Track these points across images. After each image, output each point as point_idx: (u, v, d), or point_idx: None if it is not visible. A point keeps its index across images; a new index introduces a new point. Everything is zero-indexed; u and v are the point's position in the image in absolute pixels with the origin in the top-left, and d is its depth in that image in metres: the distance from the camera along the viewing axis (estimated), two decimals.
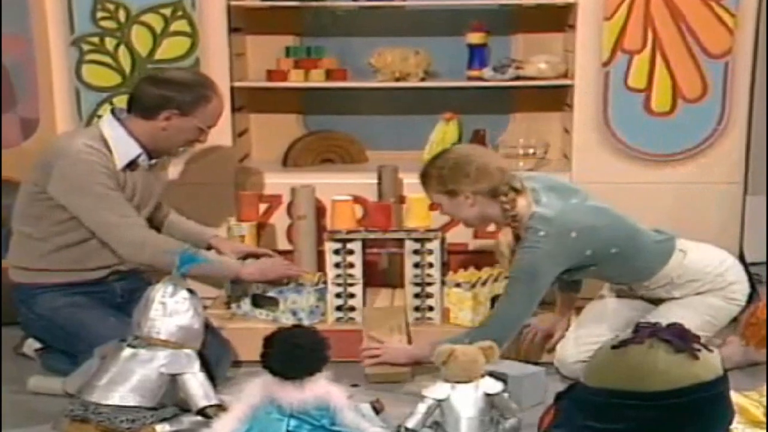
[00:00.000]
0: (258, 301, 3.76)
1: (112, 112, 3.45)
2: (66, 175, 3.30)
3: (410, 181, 4.02)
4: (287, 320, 3.63)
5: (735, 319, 3.49)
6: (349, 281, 3.69)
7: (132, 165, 3.41)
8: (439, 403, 2.78)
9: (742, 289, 3.41)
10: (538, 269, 3.17)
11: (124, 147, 3.38)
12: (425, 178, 3.32)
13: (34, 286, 3.42)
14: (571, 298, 3.64)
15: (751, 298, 3.50)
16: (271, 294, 3.71)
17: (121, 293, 3.52)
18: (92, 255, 3.44)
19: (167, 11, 3.97)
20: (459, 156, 3.29)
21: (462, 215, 3.33)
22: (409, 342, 3.52)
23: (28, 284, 3.44)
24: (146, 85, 3.43)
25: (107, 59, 4.02)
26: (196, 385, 2.89)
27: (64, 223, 3.38)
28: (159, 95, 3.38)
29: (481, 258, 4.01)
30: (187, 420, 2.89)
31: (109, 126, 3.40)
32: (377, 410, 2.91)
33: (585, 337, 3.38)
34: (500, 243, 3.38)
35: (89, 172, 3.29)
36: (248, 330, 3.54)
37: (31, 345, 3.59)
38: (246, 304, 3.77)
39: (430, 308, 3.69)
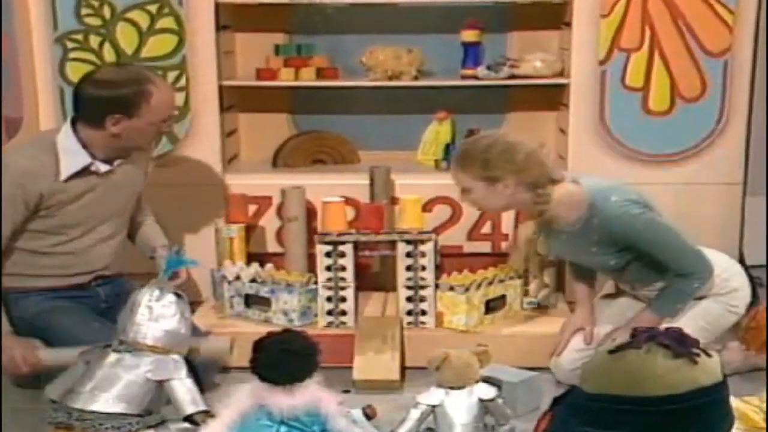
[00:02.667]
0: (250, 302, 3.73)
1: (72, 121, 3.37)
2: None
3: (403, 182, 4.03)
4: (279, 321, 3.61)
5: (736, 324, 3.45)
6: (341, 284, 3.65)
7: (83, 173, 3.34)
8: (433, 409, 2.76)
9: (744, 296, 3.39)
10: (654, 224, 3.20)
11: (71, 158, 3.31)
12: (465, 160, 3.25)
13: (16, 291, 3.36)
14: (588, 290, 3.54)
15: (752, 302, 3.47)
16: (263, 294, 3.69)
17: (105, 298, 3.49)
18: (75, 261, 3.41)
19: (153, 8, 3.92)
20: (506, 143, 3.24)
21: (492, 203, 3.31)
22: (402, 354, 3.46)
23: (10, 288, 3.36)
24: (84, 89, 3.33)
25: (92, 57, 3.96)
26: (184, 391, 2.84)
27: (42, 230, 3.34)
28: (97, 99, 3.28)
29: (475, 261, 3.96)
30: (174, 427, 2.84)
31: (62, 135, 3.34)
32: (369, 416, 2.88)
33: (582, 343, 3.33)
34: (519, 242, 3.41)
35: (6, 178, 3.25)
36: (237, 334, 3.50)
37: None
38: (239, 305, 3.75)
39: (423, 312, 3.64)
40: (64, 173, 3.30)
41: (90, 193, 3.37)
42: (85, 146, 3.33)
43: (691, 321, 3.21)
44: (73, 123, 3.36)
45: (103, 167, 3.37)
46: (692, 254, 3.23)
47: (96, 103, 3.28)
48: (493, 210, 3.41)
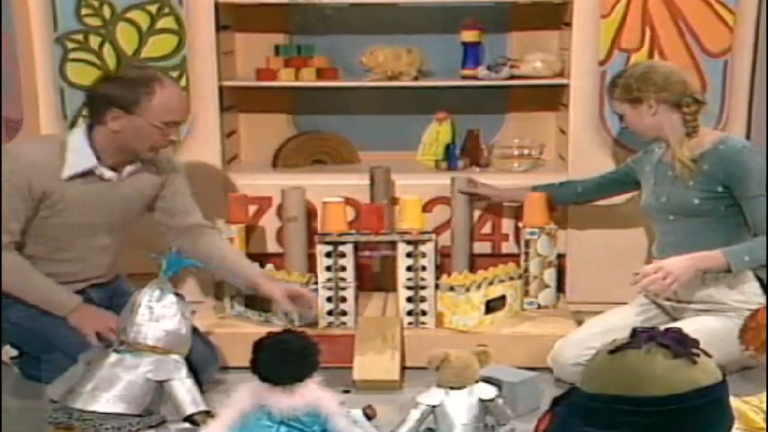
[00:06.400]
0: (251, 302, 3.72)
1: (89, 125, 3.33)
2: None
3: (403, 182, 4.03)
4: (279, 321, 3.61)
5: None
6: (341, 285, 3.65)
7: (87, 177, 3.29)
8: (433, 409, 2.76)
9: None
10: (764, 170, 3.31)
11: (76, 158, 3.26)
12: (612, 87, 3.51)
13: (9, 296, 3.30)
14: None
15: None
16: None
17: (98, 301, 3.42)
18: (70, 269, 3.37)
19: (153, 8, 3.90)
20: (645, 66, 3.52)
21: (641, 126, 3.46)
22: (402, 354, 3.46)
23: (4, 293, 3.32)
24: (93, 86, 3.35)
25: (92, 57, 3.94)
26: (184, 392, 2.86)
27: (39, 234, 3.30)
28: (100, 95, 3.26)
29: (474, 261, 3.97)
30: (174, 427, 2.85)
31: (75, 134, 3.33)
32: (369, 417, 2.87)
33: (587, 341, 3.32)
34: (682, 155, 3.41)
35: (9, 168, 3.21)
36: (237, 335, 3.51)
37: (8, 352, 3.55)
38: (239, 305, 3.74)
39: (424, 312, 3.64)
40: (67, 172, 3.25)
41: (92, 199, 3.31)
42: (94, 149, 3.29)
43: (712, 340, 3.19)
44: (90, 127, 3.33)
45: (109, 173, 3.32)
46: None
47: (99, 99, 3.25)
48: (646, 134, 3.49)
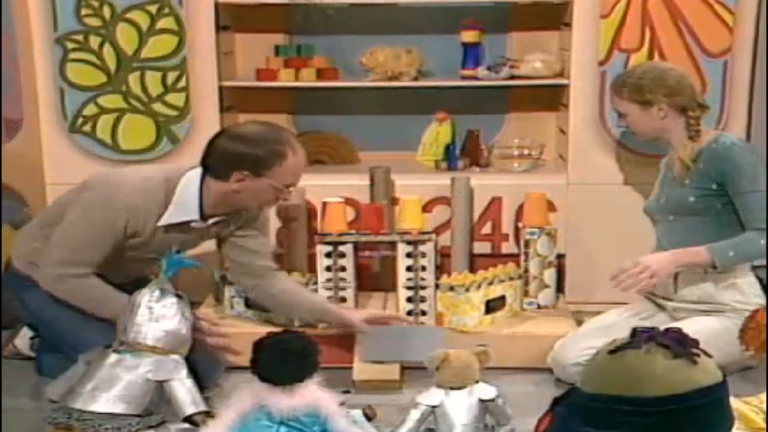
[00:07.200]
0: (250, 302, 3.72)
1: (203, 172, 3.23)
2: (94, 189, 3.19)
3: (403, 183, 4.03)
4: (279, 321, 3.61)
5: None
6: (341, 285, 3.65)
7: (180, 225, 3.24)
8: (433, 409, 2.75)
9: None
10: (756, 170, 3.31)
11: (181, 209, 3.21)
12: (620, 86, 3.47)
13: (29, 278, 3.29)
14: None
15: None
16: None
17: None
18: (105, 272, 3.30)
19: (153, 8, 3.91)
20: (659, 69, 3.51)
21: (645, 127, 3.46)
22: None
23: (24, 274, 3.32)
24: (219, 141, 3.21)
25: (92, 58, 3.95)
26: (184, 392, 2.85)
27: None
28: (230, 153, 3.15)
29: (474, 261, 3.97)
30: (174, 427, 2.84)
31: (188, 182, 3.22)
32: (369, 417, 2.87)
33: (587, 341, 3.31)
34: (684, 156, 3.41)
35: (109, 204, 3.15)
36: (237, 334, 3.49)
37: (24, 335, 3.57)
38: (239, 305, 3.74)
39: (423, 312, 3.63)
40: (165, 221, 3.20)
41: (171, 241, 3.19)
42: (201, 201, 3.22)
43: (712, 341, 3.19)
44: (204, 176, 3.23)
45: (200, 224, 3.27)
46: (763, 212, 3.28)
47: (227, 156, 3.16)
48: (646, 134, 3.50)
